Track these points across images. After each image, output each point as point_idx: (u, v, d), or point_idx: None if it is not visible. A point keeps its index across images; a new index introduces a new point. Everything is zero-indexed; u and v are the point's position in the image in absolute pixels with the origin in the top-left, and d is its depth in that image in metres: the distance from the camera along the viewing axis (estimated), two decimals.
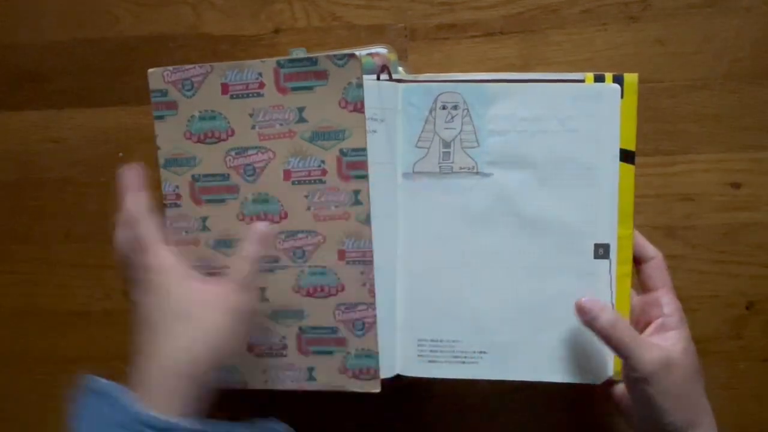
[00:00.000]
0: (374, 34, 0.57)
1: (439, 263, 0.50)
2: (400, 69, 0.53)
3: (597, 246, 0.48)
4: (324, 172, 0.48)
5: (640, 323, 0.48)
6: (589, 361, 0.49)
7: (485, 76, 0.49)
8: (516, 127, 0.48)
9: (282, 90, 0.47)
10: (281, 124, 0.48)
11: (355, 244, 0.48)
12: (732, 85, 0.55)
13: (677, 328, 0.46)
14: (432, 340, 0.50)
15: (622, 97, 0.48)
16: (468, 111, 0.49)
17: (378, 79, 0.49)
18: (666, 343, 0.45)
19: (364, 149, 0.47)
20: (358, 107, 0.47)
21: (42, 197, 0.61)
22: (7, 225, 0.62)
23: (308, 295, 0.49)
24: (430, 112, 0.49)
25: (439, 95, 0.49)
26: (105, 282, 0.61)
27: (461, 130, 0.49)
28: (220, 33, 0.59)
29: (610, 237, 0.48)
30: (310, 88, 0.47)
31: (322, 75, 0.47)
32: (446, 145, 0.49)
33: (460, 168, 0.49)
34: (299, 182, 0.48)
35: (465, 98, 0.49)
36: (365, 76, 0.47)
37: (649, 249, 0.49)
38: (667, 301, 0.47)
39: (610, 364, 0.49)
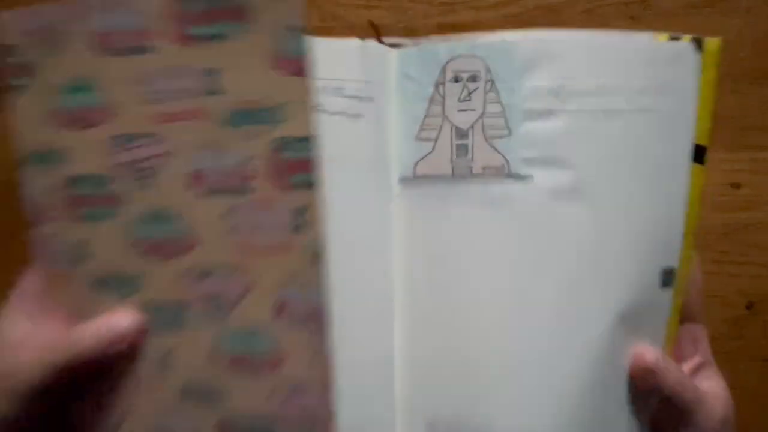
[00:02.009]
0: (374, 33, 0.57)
1: (457, 313, 0.34)
2: None
3: (664, 272, 0.35)
4: (250, 177, 0.31)
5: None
6: None
7: (517, 35, 0.34)
8: (567, 104, 0.33)
9: (183, 39, 0.31)
10: (184, 97, 0.31)
11: (298, 293, 0.31)
12: (732, 85, 0.55)
13: (713, 364, 0.40)
14: (449, 424, 0.34)
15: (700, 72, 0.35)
16: (493, 83, 0.34)
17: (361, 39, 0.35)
18: (713, 387, 0.39)
19: (309, 139, 0.30)
20: (300, 68, 0.30)
21: None
22: None
23: (232, 366, 0.32)
24: (437, 87, 0.34)
25: (449, 62, 0.34)
26: None
27: (484, 113, 0.34)
28: None
29: (676, 259, 0.36)
30: (222, 36, 0.30)
31: (240, 13, 0.30)
32: (462, 134, 0.34)
33: (484, 168, 0.34)
34: (212, 192, 0.31)
35: (488, 64, 0.33)
36: (346, 41, 0.33)
37: (697, 271, 0.39)
38: (704, 336, 0.41)
39: None
